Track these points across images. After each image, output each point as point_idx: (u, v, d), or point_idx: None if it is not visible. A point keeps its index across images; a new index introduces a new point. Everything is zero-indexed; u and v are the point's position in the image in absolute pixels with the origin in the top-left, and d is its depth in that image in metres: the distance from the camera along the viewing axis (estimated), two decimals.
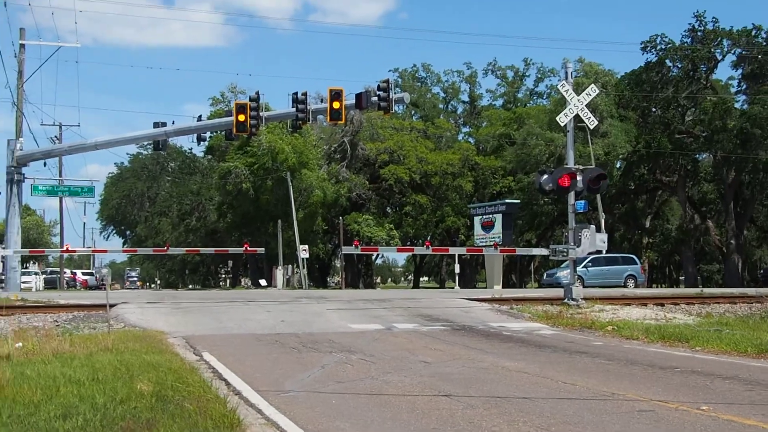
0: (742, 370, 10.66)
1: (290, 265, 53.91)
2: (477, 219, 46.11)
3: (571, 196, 22.27)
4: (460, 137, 69.89)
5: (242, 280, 77.09)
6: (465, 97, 73.40)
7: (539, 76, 71.32)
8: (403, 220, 59.84)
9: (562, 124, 23.47)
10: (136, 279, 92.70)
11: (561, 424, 7.05)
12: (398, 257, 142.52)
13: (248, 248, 41.30)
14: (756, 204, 59.01)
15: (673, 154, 53.14)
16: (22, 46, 37.44)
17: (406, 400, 8.24)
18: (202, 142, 37.23)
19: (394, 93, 30.19)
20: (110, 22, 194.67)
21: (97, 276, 69.97)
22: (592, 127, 23.63)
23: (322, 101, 36.41)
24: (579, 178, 21.64)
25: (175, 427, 6.45)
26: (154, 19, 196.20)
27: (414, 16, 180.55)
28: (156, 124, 33.00)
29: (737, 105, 53.12)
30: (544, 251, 33.22)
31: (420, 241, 60.89)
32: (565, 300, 21.71)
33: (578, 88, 24.64)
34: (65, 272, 62.11)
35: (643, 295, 26.96)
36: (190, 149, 74.32)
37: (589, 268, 39.47)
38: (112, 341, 12.02)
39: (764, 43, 51.79)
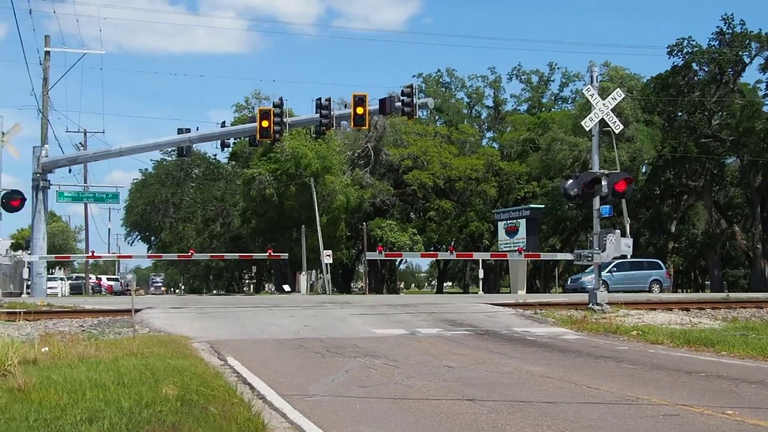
0: None
1: (314, 271, 54.03)
2: (501, 224, 46.07)
3: (596, 200, 22.23)
4: (484, 142, 69.90)
5: (266, 285, 77.44)
6: (489, 102, 73.51)
7: (564, 80, 71.31)
8: (427, 225, 59.86)
9: (587, 129, 23.36)
10: (160, 284, 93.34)
11: (585, 428, 7.02)
12: (422, 262, 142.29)
13: (272, 254, 41.40)
14: None
15: (699, 159, 52.76)
16: (47, 53, 37.86)
17: (429, 405, 8.23)
18: (225, 149, 37.30)
19: (418, 98, 30.14)
20: (135, 29, 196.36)
21: (122, 282, 70.66)
22: (617, 132, 23.44)
23: (345, 107, 36.54)
24: (604, 182, 21.56)
25: (200, 431, 6.49)
26: (179, 26, 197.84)
27: (438, 21, 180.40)
28: (180, 131, 33.20)
29: (765, 108, 52.59)
30: (568, 256, 32.99)
31: (444, 246, 60.90)
32: (590, 305, 21.60)
33: (603, 93, 24.53)
34: (90, 278, 62.71)
35: (669, 299, 26.73)
36: (214, 155, 74.89)
37: (613, 273, 39.25)
38: (137, 346, 12.09)
39: None
